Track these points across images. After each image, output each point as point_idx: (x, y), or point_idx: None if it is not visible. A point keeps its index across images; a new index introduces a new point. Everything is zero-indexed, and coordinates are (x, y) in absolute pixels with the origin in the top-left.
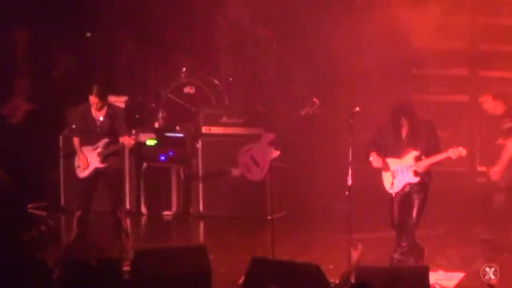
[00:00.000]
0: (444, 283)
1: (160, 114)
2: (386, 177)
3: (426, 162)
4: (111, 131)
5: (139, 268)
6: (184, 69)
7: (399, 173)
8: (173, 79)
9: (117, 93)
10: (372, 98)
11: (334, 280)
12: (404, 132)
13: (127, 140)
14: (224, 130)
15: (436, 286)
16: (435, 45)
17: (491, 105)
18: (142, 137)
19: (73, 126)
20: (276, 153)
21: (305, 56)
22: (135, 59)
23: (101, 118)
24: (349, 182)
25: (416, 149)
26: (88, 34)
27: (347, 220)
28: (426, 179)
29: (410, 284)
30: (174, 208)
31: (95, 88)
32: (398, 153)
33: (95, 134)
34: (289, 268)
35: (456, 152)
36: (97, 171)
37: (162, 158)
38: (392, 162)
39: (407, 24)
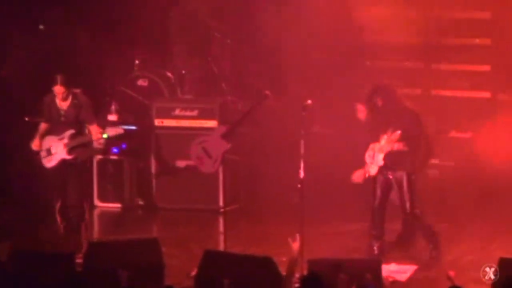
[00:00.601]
0: (396, 275)
1: (113, 107)
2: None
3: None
4: (77, 121)
5: (92, 261)
6: (137, 61)
7: (374, 157)
8: (126, 72)
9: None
10: (324, 91)
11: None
12: (380, 115)
13: (95, 130)
14: (177, 123)
15: (389, 279)
16: (388, 38)
17: None
18: (109, 131)
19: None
20: (228, 146)
21: (258, 49)
22: (88, 51)
23: (65, 108)
24: (301, 175)
25: (386, 133)
26: (41, 27)
27: (299, 213)
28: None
29: (363, 275)
30: (126, 201)
31: (59, 78)
32: (377, 137)
33: (60, 124)
34: (242, 261)
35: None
36: (64, 162)
37: (115, 150)
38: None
39: (361, 16)
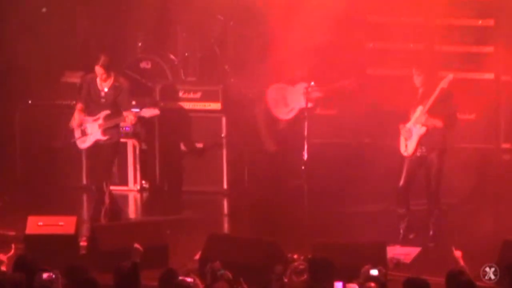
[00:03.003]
0: (401, 257)
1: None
2: (402, 141)
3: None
4: (114, 103)
5: (96, 243)
6: (140, 44)
7: (412, 133)
8: (129, 54)
9: (74, 68)
10: (326, 73)
11: (291, 255)
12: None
13: (130, 115)
14: (180, 105)
15: (394, 261)
16: (390, 19)
17: None
18: (145, 112)
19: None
20: (309, 104)
21: (261, 32)
22: (89, 34)
23: (106, 90)
24: (305, 156)
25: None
26: (44, 9)
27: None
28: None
29: (368, 258)
30: (131, 183)
31: (102, 58)
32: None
33: (98, 105)
34: (246, 244)
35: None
36: (97, 143)
37: None
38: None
39: None
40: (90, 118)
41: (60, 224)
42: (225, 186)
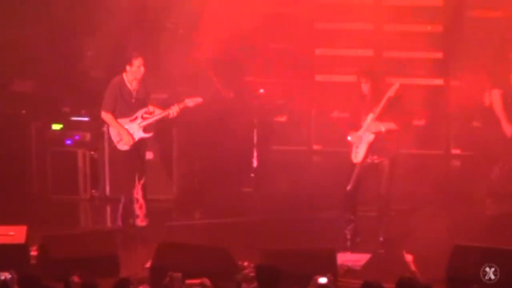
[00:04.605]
0: (351, 264)
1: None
2: (353, 149)
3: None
4: (145, 101)
5: (46, 252)
6: (89, 53)
7: (361, 140)
8: (79, 63)
9: (24, 77)
10: (275, 80)
11: (242, 262)
12: (367, 97)
13: (175, 107)
14: None
15: (344, 267)
16: (338, 26)
17: None
18: (189, 102)
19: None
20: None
21: (209, 38)
22: (41, 43)
23: (136, 88)
24: (255, 164)
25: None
26: None
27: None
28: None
29: (318, 265)
30: (80, 192)
31: (139, 51)
32: (360, 121)
33: (130, 106)
34: (197, 252)
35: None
36: (139, 142)
37: (68, 142)
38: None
39: (311, 5)
40: (125, 120)
41: (10, 234)
42: (175, 194)
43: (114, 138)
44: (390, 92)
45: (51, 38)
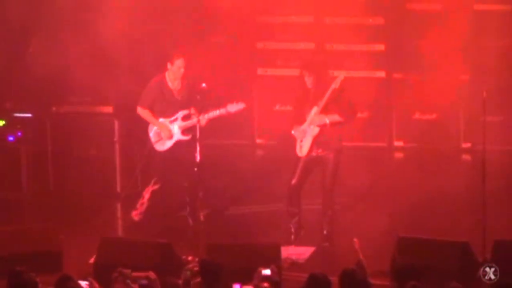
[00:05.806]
0: (295, 257)
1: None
2: (297, 142)
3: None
4: (188, 103)
5: None
6: (31, 49)
7: (306, 133)
8: (21, 60)
9: None
10: (217, 73)
11: (186, 256)
12: (311, 90)
13: (203, 119)
14: (73, 109)
15: (288, 261)
16: (279, 19)
17: None
18: (231, 107)
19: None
20: None
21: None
22: None
23: (178, 88)
24: (197, 158)
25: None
26: None
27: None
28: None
29: (263, 259)
30: (24, 189)
31: (180, 50)
32: (304, 115)
33: (172, 106)
34: (140, 247)
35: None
36: (177, 144)
37: (11, 138)
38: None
39: None
40: (165, 120)
41: None
42: (118, 189)
43: (153, 138)
44: (335, 84)
45: None
